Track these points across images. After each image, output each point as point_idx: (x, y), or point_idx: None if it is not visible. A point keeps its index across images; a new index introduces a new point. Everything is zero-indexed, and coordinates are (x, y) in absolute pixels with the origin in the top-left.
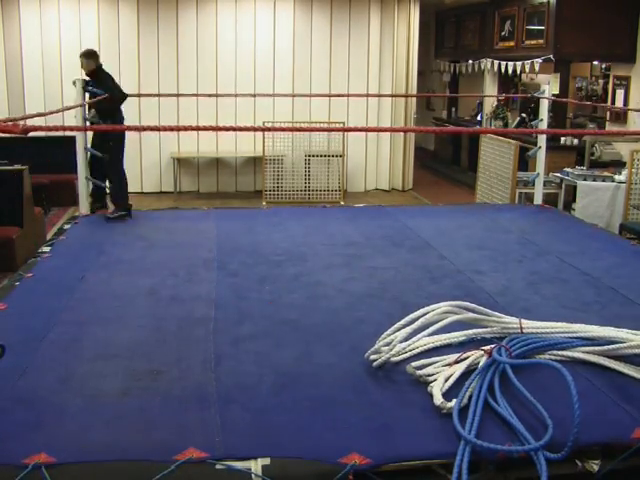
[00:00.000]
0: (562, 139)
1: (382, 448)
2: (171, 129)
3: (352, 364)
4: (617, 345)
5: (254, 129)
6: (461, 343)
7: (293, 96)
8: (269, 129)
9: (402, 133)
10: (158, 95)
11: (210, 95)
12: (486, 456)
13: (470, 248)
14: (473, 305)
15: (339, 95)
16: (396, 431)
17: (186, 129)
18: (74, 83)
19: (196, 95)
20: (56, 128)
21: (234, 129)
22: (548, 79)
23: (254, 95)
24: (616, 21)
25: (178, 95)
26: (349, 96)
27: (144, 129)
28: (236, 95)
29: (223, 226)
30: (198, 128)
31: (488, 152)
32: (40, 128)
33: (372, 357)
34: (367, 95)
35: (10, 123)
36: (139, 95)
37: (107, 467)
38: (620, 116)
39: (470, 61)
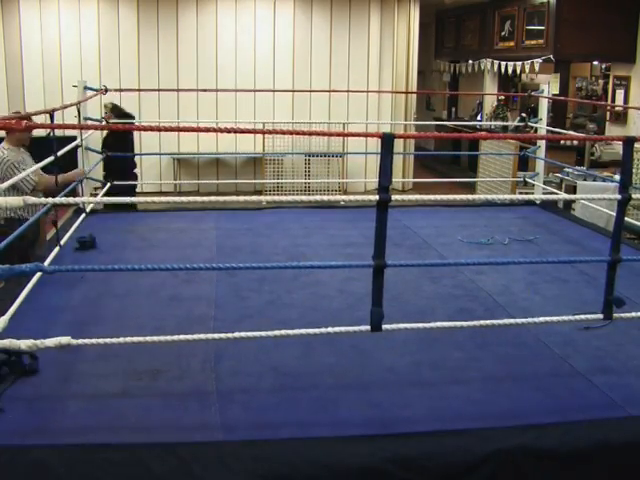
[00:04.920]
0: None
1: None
2: (171, 129)
3: (352, 364)
4: None
5: (254, 132)
6: None
7: (293, 91)
8: (270, 132)
9: (401, 132)
10: (158, 90)
11: (206, 90)
12: None
13: (470, 248)
14: None
15: (338, 91)
16: (397, 430)
17: (186, 130)
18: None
19: (196, 90)
20: (59, 126)
21: (235, 131)
22: (548, 79)
23: (254, 90)
24: (616, 21)
25: (178, 91)
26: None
27: (144, 129)
28: (236, 91)
29: (223, 226)
30: (199, 129)
31: (488, 152)
32: (43, 126)
33: None
34: (367, 91)
35: (13, 121)
36: (139, 90)
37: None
38: (620, 116)
39: (470, 61)
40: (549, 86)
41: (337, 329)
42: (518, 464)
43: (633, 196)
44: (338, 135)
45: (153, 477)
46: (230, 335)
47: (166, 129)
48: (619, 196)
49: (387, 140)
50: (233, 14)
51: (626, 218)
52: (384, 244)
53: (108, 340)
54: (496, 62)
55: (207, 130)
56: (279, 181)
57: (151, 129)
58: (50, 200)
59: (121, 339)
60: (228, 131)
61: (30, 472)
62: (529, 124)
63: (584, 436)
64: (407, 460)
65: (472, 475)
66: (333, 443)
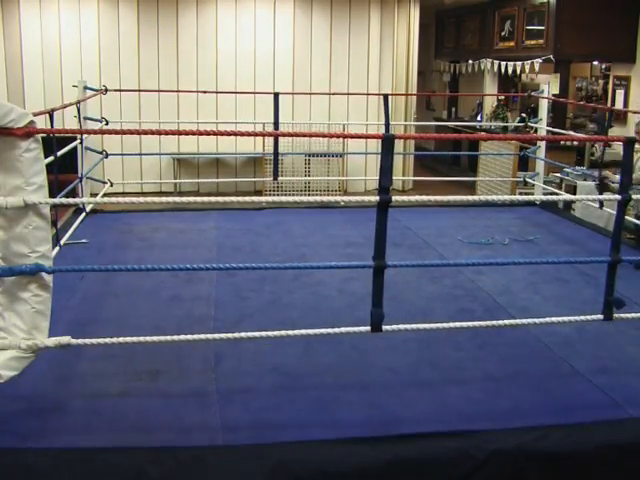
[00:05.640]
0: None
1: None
2: (171, 133)
3: (352, 364)
4: None
5: (255, 134)
6: None
7: (293, 94)
8: (270, 134)
9: (401, 132)
10: (158, 91)
11: (206, 92)
12: None
13: (470, 248)
14: None
15: (338, 93)
16: (397, 430)
17: (187, 133)
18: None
19: (196, 92)
20: (58, 131)
21: (235, 134)
22: (548, 79)
23: (254, 93)
24: (616, 21)
25: (178, 92)
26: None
27: (144, 133)
28: (236, 93)
29: (223, 226)
30: (199, 133)
31: (488, 152)
32: (43, 131)
33: None
34: (367, 94)
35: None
36: (139, 90)
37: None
38: (620, 117)
39: (470, 61)
40: (549, 86)
41: (337, 329)
42: (519, 466)
43: (633, 196)
44: (339, 137)
45: None
46: (230, 335)
47: (166, 132)
48: (619, 196)
49: (387, 141)
50: (233, 14)
51: (626, 218)
52: (384, 245)
53: (108, 340)
54: (496, 62)
55: (207, 133)
56: (282, 178)
57: (152, 133)
58: (50, 200)
59: (121, 339)
60: (228, 134)
61: (29, 476)
62: (529, 124)
63: (585, 438)
64: (407, 462)
65: (473, 477)
66: (333, 445)
